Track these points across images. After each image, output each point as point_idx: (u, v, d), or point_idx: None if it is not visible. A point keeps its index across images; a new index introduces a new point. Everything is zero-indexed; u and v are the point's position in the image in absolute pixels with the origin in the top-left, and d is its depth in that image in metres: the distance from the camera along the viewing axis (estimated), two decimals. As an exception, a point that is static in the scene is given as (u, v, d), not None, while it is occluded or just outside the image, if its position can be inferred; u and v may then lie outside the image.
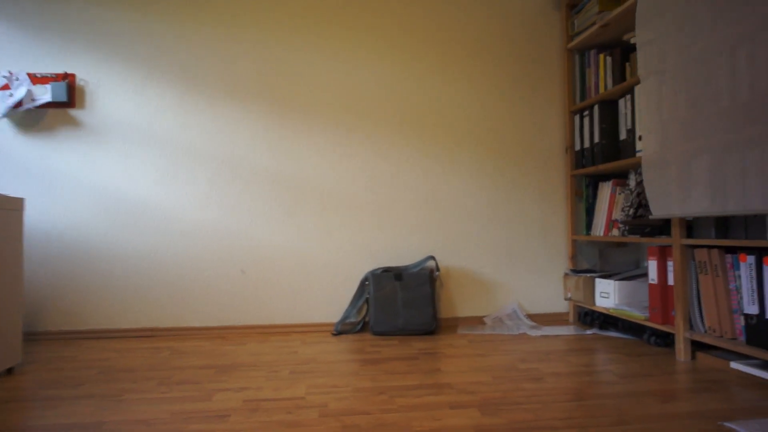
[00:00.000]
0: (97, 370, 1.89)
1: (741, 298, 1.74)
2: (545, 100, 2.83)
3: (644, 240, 2.17)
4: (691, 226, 1.98)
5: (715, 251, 1.84)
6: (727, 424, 1.32)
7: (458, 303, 2.71)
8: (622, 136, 2.37)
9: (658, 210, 1.94)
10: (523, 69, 2.82)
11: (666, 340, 2.17)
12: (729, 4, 1.63)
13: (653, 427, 1.31)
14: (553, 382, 1.69)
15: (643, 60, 2.00)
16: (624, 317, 2.28)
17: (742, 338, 1.74)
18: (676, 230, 1.97)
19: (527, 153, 2.81)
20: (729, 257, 1.80)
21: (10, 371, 1.87)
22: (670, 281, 2.05)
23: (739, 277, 1.75)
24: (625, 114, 2.35)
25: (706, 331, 1.89)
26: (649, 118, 1.98)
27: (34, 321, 2.42)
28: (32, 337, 2.41)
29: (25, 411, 1.47)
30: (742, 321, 1.74)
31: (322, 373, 1.82)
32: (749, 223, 1.73)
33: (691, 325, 1.95)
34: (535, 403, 1.50)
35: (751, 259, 1.70)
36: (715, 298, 1.84)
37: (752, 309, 1.69)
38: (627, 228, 2.35)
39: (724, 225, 1.83)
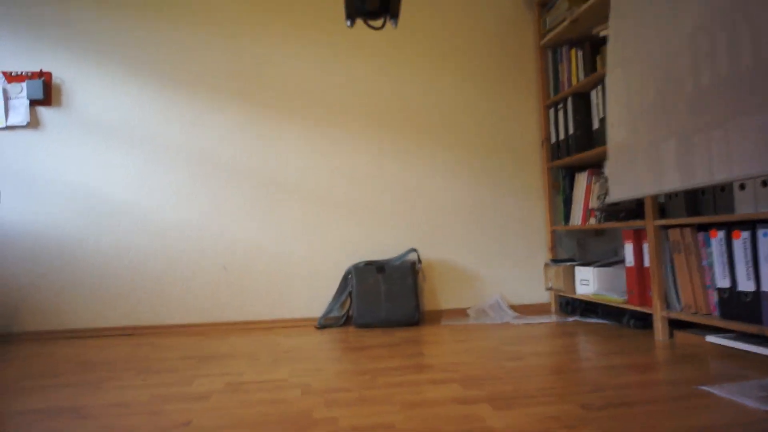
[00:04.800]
0: (75, 363, 1.86)
1: (714, 273, 1.78)
2: (521, 95, 2.89)
3: (620, 225, 2.21)
4: (663, 208, 2.03)
5: (687, 230, 1.89)
6: (703, 388, 1.35)
7: (441, 295, 2.73)
8: (595, 125, 2.43)
9: (617, 193, 2.01)
10: (498, 66, 2.88)
11: (645, 321, 2.20)
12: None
13: (629, 393, 1.33)
14: (533, 361, 1.71)
15: (612, 51, 2.06)
16: (603, 302, 2.32)
17: (716, 313, 1.78)
18: (649, 212, 2.02)
19: (504, 147, 2.86)
20: (701, 235, 1.85)
21: (-16, 368, 1.83)
22: (646, 263, 2.10)
23: (711, 253, 1.80)
24: (597, 104, 2.41)
25: (682, 309, 1.93)
26: (617, 106, 2.04)
27: (10, 322, 2.38)
28: (8, 338, 2.36)
29: (5, 399, 1.44)
30: (715, 296, 1.78)
31: (304, 360, 1.81)
32: (718, 200, 1.78)
33: (667, 304, 1.99)
34: (515, 377, 1.51)
35: (721, 234, 1.75)
36: (690, 275, 1.88)
37: (724, 283, 1.73)
38: (603, 215, 2.40)
39: (694, 204, 1.88)
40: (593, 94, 2.44)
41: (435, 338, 2.15)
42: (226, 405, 1.33)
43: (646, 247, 2.10)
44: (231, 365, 1.76)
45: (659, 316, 2.00)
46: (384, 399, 1.34)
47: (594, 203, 2.50)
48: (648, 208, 2.03)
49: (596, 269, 2.41)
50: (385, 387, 1.45)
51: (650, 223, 2.02)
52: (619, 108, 2.04)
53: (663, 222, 1.96)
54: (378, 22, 2.52)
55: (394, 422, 1.17)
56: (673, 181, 1.77)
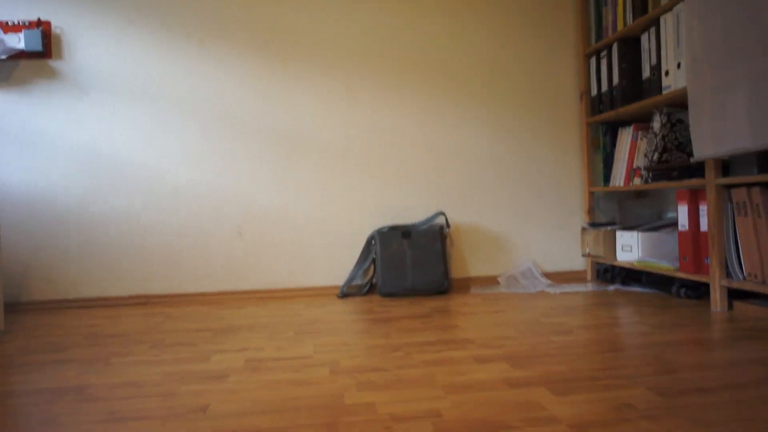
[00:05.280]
0: (83, 335, 1.74)
1: (787, 238, 1.58)
2: (557, 43, 2.64)
3: (672, 185, 2.00)
4: (727, 165, 1.81)
5: (756, 189, 1.68)
6: (791, 369, 1.18)
7: (470, 262, 2.55)
8: (645, 74, 2.19)
9: (699, 151, 1.76)
10: (532, 11, 2.61)
11: (698, 291, 2.02)
12: None
13: (707, 375, 1.16)
14: (583, 335, 1.54)
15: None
16: (650, 270, 2.13)
17: (789, 282, 1.59)
18: (710, 170, 1.81)
19: (538, 101, 2.62)
20: (772, 195, 1.64)
21: (-12, 340, 1.72)
22: (703, 227, 1.90)
23: (785, 215, 1.59)
24: (649, 50, 2.16)
25: (745, 278, 1.73)
26: (689, 47, 1.80)
27: (18, 291, 2.26)
28: (17, 308, 2.25)
29: (5, 377, 1.31)
30: (788, 263, 1.59)
31: (329, 333, 1.67)
32: (798, 155, 1.56)
33: (728, 273, 1.80)
34: (567, 354, 1.35)
35: (800, 194, 1.54)
36: (757, 240, 1.68)
37: (801, 249, 1.53)
38: (651, 175, 2.18)
39: (766, 159, 1.66)
40: (644, 38, 2.19)
41: (468, 308, 1.99)
42: (246, 386, 1.18)
43: (703, 209, 1.90)
44: (249, 339, 1.62)
45: (717, 286, 1.81)
46: (424, 380, 1.18)
47: (640, 161, 2.28)
48: (709, 166, 1.81)
49: (641, 234, 2.21)
50: (423, 365, 1.29)
51: (711, 181, 1.81)
52: (694, 49, 1.81)
53: (726, 180, 1.75)
54: None
55: (439, 409, 1.02)
56: (741, 142, 1.55)
